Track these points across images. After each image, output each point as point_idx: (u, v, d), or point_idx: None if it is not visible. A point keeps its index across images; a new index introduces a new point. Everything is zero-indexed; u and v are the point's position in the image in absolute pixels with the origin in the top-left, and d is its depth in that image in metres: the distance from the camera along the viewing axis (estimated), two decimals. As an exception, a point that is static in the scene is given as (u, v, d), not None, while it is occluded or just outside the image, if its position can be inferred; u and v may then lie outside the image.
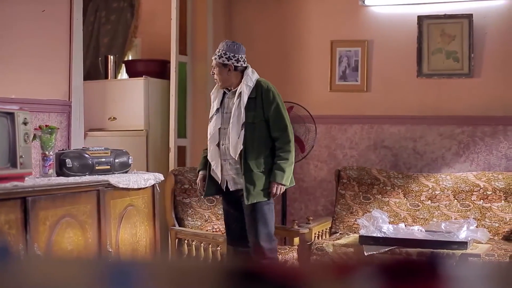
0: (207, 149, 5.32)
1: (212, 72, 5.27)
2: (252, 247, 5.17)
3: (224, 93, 5.31)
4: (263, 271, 0.99)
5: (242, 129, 5.11)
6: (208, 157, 5.26)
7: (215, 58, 5.22)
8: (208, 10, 7.16)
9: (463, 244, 5.04)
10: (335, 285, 0.97)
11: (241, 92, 5.15)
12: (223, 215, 5.48)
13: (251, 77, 5.25)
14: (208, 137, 5.27)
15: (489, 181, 6.23)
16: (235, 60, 5.22)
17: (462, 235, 5.18)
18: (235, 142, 5.10)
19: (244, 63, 5.28)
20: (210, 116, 5.30)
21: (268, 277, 0.98)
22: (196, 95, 7.19)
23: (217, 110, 5.25)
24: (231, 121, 5.13)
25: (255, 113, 5.15)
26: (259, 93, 5.20)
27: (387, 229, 5.31)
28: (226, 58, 5.19)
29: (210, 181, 5.28)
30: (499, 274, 1.00)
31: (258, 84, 5.24)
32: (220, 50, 5.22)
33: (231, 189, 5.22)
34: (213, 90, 5.36)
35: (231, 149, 5.12)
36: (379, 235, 5.28)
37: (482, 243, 5.33)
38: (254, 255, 5.15)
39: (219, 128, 5.23)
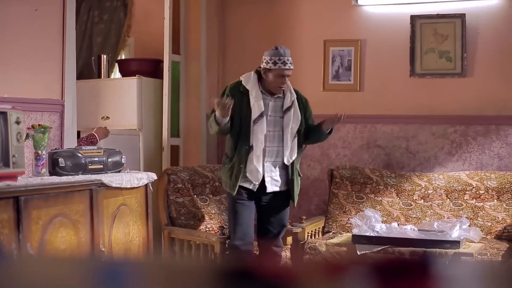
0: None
1: (285, 81, 5.36)
2: (273, 242, 5.48)
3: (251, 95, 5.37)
4: (256, 271, 0.99)
5: (296, 135, 5.37)
6: (251, 159, 5.30)
7: (290, 67, 5.34)
8: (201, 9, 7.15)
9: (455, 243, 5.05)
10: (327, 284, 0.97)
11: (293, 99, 5.40)
12: (238, 213, 5.42)
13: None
14: (258, 139, 5.30)
15: (482, 180, 6.25)
16: None
17: (454, 234, 5.19)
18: (290, 148, 5.33)
19: None
20: (253, 118, 5.29)
21: (260, 276, 0.98)
22: (189, 95, 7.19)
23: (262, 114, 5.32)
24: (289, 128, 5.34)
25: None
26: (299, 100, 5.49)
27: (380, 228, 5.32)
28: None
29: (243, 180, 5.34)
30: (491, 273, 1.00)
31: (295, 91, 5.52)
32: (289, 58, 5.34)
33: (269, 190, 5.36)
34: (251, 90, 5.36)
35: (286, 154, 5.33)
36: (372, 234, 5.28)
37: (474, 242, 5.34)
38: (275, 249, 5.49)
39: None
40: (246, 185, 5.32)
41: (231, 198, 5.38)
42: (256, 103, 5.30)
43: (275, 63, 5.27)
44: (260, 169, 5.29)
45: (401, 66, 6.85)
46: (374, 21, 6.99)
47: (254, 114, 5.29)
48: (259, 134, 5.28)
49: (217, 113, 5.12)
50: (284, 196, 5.45)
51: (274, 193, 5.40)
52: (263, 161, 5.31)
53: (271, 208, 5.44)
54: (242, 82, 5.39)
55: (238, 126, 5.30)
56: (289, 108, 5.37)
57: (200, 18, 7.17)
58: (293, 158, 5.36)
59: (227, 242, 5.47)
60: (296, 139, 5.39)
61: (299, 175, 5.49)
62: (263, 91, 5.36)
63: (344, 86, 7.08)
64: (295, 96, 5.42)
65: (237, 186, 5.28)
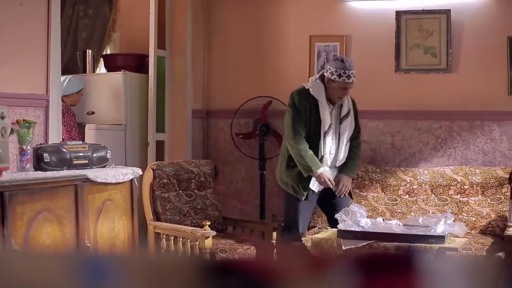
0: (305, 146, 5.56)
1: (347, 93, 5.54)
2: None
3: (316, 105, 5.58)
4: (240, 266, 0.99)
5: (349, 141, 5.65)
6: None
7: (353, 80, 5.48)
8: (187, 4, 7.14)
9: (440, 238, 5.06)
10: (312, 279, 0.97)
11: (350, 107, 5.62)
12: (299, 212, 5.73)
13: None
14: (327, 150, 5.57)
15: (466, 175, 6.27)
16: None
17: (439, 229, 5.20)
18: (343, 153, 5.65)
19: None
20: (324, 131, 5.52)
21: (244, 271, 0.98)
22: (174, 90, 7.17)
23: (330, 125, 5.54)
24: (346, 134, 5.60)
25: None
26: (353, 106, 5.72)
27: (365, 223, 5.32)
28: None
29: (307, 182, 5.62)
30: (476, 268, 1.01)
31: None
32: (353, 71, 5.46)
33: (318, 190, 5.71)
34: (321, 102, 5.54)
35: (340, 158, 5.65)
36: (357, 229, 5.29)
37: (459, 237, 5.35)
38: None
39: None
40: (310, 187, 5.65)
41: (294, 198, 5.70)
42: (326, 115, 5.51)
43: (339, 75, 5.40)
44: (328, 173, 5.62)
45: (386, 62, 6.87)
46: (360, 17, 7.00)
47: (324, 127, 5.51)
48: (328, 145, 5.56)
49: (317, 180, 5.55)
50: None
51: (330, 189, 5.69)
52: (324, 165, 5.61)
53: (334, 199, 5.71)
54: (311, 92, 5.55)
55: (307, 135, 5.54)
56: (346, 116, 5.58)
57: (185, 13, 7.15)
58: (344, 160, 5.67)
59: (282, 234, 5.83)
60: (348, 143, 5.67)
61: None
62: (328, 100, 5.55)
63: (329, 82, 7.07)
64: (351, 104, 5.63)
65: (305, 193, 5.62)
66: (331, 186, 5.61)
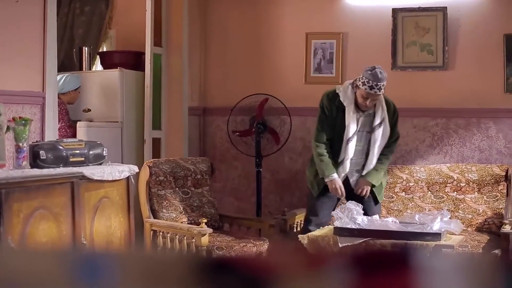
0: (322, 151, 5.61)
1: (368, 103, 5.47)
2: None
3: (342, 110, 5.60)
4: (236, 263, 0.99)
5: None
6: (339, 172, 5.63)
7: (379, 91, 5.41)
8: (183, 1, 7.13)
9: (436, 236, 5.07)
10: (308, 276, 0.97)
11: (384, 116, 5.59)
12: (316, 206, 5.80)
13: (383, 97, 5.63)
14: (348, 155, 5.58)
15: (463, 173, 6.27)
16: None
17: (435, 227, 5.20)
18: (375, 162, 5.65)
19: None
20: (347, 138, 5.54)
21: (240, 268, 0.98)
22: (171, 87, 7.16)
23: (354, 132, 5.56)
24: (378, 144, 5.59)
25: None
26: (391, 113, 5.68)
27: (362, 221, 5.32)
28: (384, 88, 5.47)
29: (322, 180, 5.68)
30: (472, 265, 1.01)
31: (388, 103, 5.69)
32: (381, 83, 5.40)
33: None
34: (348, 108, 5.54)
35: (369, 167, 5.65)
36: (353, 227, 5.29)
37: (455, 235, 5.36)
38: None
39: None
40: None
41: (311, 193, 5.80)
42: (352, 122, 5.51)
43: (371, 87, 5.39)
44: (342, 179, 5.64)
45: (383, 59, 6.86)
46: (356, 14, 6.99)
47: (348, 133, 5.52)
48: (350, 151, 5.55)
49: (328, 185, 5.60)
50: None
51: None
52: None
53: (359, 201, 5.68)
54: (340, 98, 5.56)
55: (332, 138, 5.61)
56: (379, 125, 5.57)
57: (182, 10, 7.14)
58: (372, 168, 5.66)
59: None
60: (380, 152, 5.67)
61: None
62: (356, 107, 5.54)
63: (326, 79, 7.08)
64: (385, 112, 5.58)
65: (319, 189, 5.68)
66: (340, 196, 5.63)
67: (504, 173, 6.18)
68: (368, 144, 5.62)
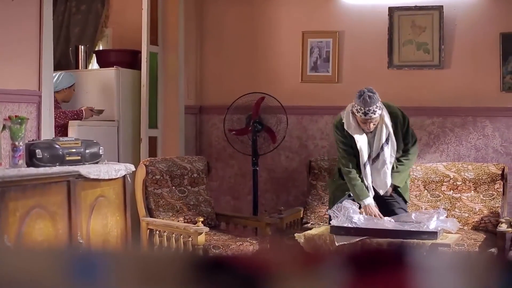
0: (354, 175, 5.63)
1: (369, 126, 5.48)
2: None
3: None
4: (231, 261, 0.99)
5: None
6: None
7: (372, 116, 5.40)
8: (179, 0, 7.13)
9: (433, 234, 5.07)
10: (304, 275, 0.97)
11: (389, 132, 5.55)
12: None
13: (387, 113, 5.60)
14: (369, 180, 5.60)
15: (459, 171, 6.28)
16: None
17: (432, 225, 5.21)
18: (388, 177, 5.64)
19: None
20: (364, 161, 5.56)
21: (236, 267, 0.98)
22: (167, 86, 7.16)
23: (369, 155, 5.60)
24: (389, 160, 5.57)
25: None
26: (398, 125, 5.64)
27: (358, 220, 5.33)
28: (379, 108, 5.43)
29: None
30: (468, 264, 1.01)
31: (395, 114, 5.65)
32: (372, 106, 5.38)
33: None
34: (354, 134, 5.56)
35: (387, 183, 5.64)
36: (350, 226, 5.29)
37: (451, 233, 5.37)
38: None
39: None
40: None
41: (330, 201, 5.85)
42: (363, 147, 5.55)
43: (364, 113, 5.42)
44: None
45: (379, 58, 6.87)
46: (353, 13, 6.99)
47: (363, 159, 5.56)
48: (369, 176, 5.58)
49: (363, 210, 5.51)
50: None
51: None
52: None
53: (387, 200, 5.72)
54: (345, 127, 5.59)
55: (356, 163, 5.62)
56: (386, 142, 5.56)
57: (178, 8, 7.14)
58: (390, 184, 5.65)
59: None
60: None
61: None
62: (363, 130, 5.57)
63: (322, 78, 7.09)
64: (390, 128, 5.54)
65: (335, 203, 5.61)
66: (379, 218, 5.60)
67: (500, 172, 6.18)
68: (383, 162, 5.61)
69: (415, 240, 5.05)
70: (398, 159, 5.65)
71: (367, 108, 5.36)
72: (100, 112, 6.69)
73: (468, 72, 6.68)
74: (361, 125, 5.51)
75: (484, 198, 6.16)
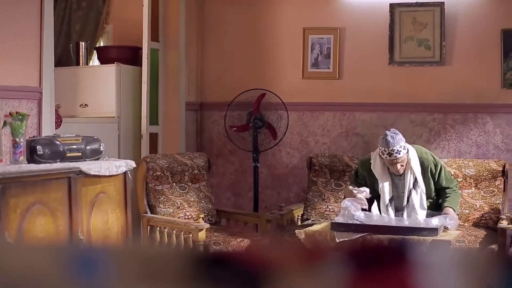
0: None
1: (397, 168, 5.46)
2: None
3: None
4: (232, 258, 0.99)
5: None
6: None
7: (396, 156, 5.39)
8: (180, -4, 7.12)
9: (433, 231, 5.07)
10: (305, 271, 0.97)
11: (416, 177, 5.52)
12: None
13: (415, 157, 5.57)
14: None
15: (460, 168, 6.27)
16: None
17: (432, 222, 5.21)
18: (420, 218, 5.52)
19: None
20: (386, 202, 5.56)
21: (237, 263, 0.98)
22: (168, 82, 7.16)
23: (391, 198, 5.60)
24: (418, 205, 5.51)
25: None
26: (427, 170, 5.60)
27: (359, 216, 5.33)
28: (403, 148, 5.41)
29: None
30: (469, 261, 1.01)
31: (423, 160, 5.60)
32: (396, 146, 5.38)
33: None
34: (378, 176, 5.58)
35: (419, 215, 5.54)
36: (350, 222, 5.29)
37: (452, 230, 5.37)
38: None
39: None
40: None
41: None
42: (385, 188, 5.56)
43: (389, 154, 5.42)
44: None
45: (380, 54, 6.87)
46: (354, 9, 6.99)
47: (385, 200, 5.55)
48: (391, 215, 5.54)
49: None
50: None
51: None
52: None
53: None
54: (371, 167, 5.60)
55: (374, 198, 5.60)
56: (414, 187, 5.53)
57: (179, 5, 7.14)
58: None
59: None
60: (424, 210, 5.59)
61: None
62: (390, 172, 5.56)
63: (323, 74, 7.08)
64: (418, 173, 5.52)
65: None
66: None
67: (501, 168, 6.18)
68: (411, 207, 5.57)
69: (415, 236, 5.05)
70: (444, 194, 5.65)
71: (391, 149, 5.37)
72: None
73: (469, 69, 6.68)
74: (390, 169, 5.52)
75: (485, 195, 6.16)
